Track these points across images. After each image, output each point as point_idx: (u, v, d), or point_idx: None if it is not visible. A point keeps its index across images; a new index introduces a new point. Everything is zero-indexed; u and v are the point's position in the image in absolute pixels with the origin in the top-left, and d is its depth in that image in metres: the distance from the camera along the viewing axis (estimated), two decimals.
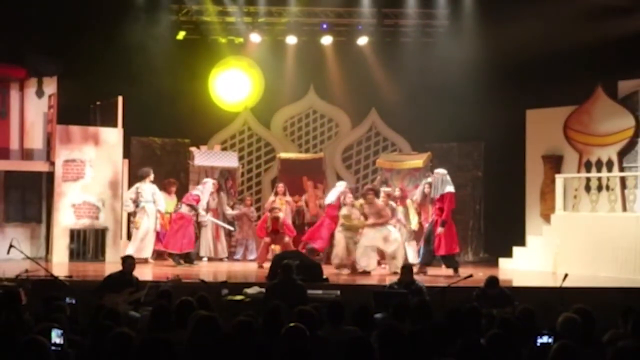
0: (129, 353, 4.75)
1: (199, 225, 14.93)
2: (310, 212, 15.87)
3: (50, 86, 15.22)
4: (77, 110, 15.25)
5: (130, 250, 13.62)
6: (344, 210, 13.75)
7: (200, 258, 15.15)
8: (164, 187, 14.98)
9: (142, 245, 14.35)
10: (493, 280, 9.70)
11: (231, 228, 15.69)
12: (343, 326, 6.60)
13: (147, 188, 14.53)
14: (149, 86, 15.18)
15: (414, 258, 14.42)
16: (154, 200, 14.53)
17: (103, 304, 7.69)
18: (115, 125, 14.96)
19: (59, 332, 5.04)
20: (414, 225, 14.90)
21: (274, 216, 14.20)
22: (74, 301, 7.47)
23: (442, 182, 13.44)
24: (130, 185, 15.05)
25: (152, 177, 14.62)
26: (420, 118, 16.55)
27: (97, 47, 14.73)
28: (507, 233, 15.05)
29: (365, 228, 13.40)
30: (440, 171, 13.68)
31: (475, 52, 15.15)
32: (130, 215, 14.90)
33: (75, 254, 14.60)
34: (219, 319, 5.45)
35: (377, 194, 13.74)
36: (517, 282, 12.65)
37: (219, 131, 17.97)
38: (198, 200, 14.43)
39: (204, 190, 14.68)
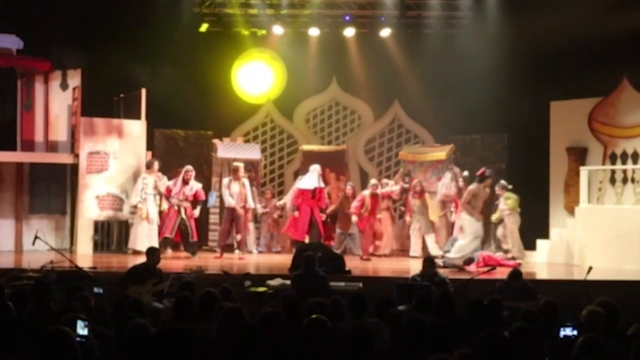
0: (147, 343, 4.79)
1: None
2: (332, 203, 15.84)
3: (75, 79, 15.32)
4: (101, 103, 15.35)
5: (143, 243, 13.64)
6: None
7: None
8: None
9: (151, 234, 14.27)
10: (516, 273, 9.67)
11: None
12: (365, 318, 6.61)
13: (151, 179, 14.35)
14: (172, 78, 15.23)
15: (434, 249, 14.43)
16: (158, 192, 14.36)
17: (127, 295, 7.75)
18: (138, 117, 15.03)
19: (84, 323, 5.07)
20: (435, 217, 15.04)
21: None
22: (101, 291, 7.51)
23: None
24: None
25: (156, 167, 14.44)
26: (443, 110, 16.48)
27: (120, 40, 14.79)
28: (531, 226, 14.93)
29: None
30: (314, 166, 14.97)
31: (498, 43, 15.05)
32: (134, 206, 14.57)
33: (99, 246, 14.70)
34: (244, 311, 5.49)
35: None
36: (541, 275, 12.61)
37: (242, 123, 18.01)
38: (169, 191, 14.23)
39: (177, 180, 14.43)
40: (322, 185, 15.00)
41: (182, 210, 14.16)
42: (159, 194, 14.36)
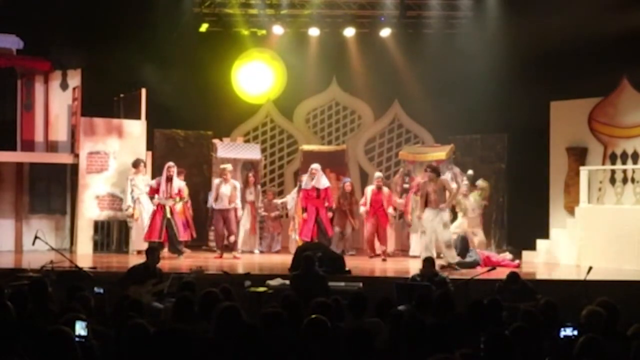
0: (147, 343, 4.78)
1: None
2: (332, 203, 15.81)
3: (75, 79, 15.32)
4: (101, 103, 15.35)
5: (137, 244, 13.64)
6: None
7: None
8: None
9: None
10: (513, 276, 9.68)
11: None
12: (365, 318, 6.60)
13: (140, 179, 14.32)
14: (172, 78, 15.23)
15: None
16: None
17: (127, 295, 7.74)
18: (138, 117, 15.03)
19: (83, 323, 5.06)
20: None
21: None
22: (101, 291, 7.50)
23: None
24: (152, 176, 15.06)
25: (142, 167, 14.38)
26: (443, 110, 16.48)
27: (120, 39, 14.79)
28: (531, 226, 14.95)
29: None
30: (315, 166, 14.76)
31: (498, 43, 15.05)
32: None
33: (99, 246, 14.69)
34: (240, 309, 5.48)
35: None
36: (541, 275, 12.61)
37: (242, 123, 18.02)
38: (153, 191, 14.04)
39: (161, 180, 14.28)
40: (328, 184, 14.94)
41: (168, 210, 13.96)
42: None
